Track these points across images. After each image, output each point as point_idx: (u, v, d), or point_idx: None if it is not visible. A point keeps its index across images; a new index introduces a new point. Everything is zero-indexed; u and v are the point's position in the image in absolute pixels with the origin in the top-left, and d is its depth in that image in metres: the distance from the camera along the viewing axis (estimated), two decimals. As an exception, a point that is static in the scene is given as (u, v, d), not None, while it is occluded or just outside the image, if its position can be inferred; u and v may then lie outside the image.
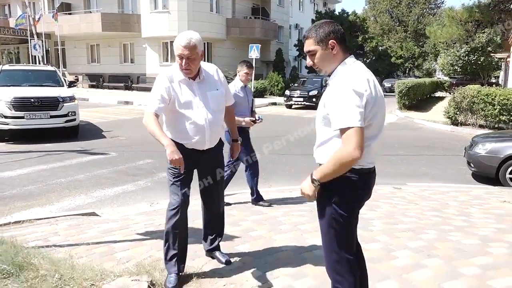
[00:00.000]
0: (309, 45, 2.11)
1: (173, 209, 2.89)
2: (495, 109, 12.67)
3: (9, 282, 2.64)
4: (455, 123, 13.89)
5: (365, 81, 1.97)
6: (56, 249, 3.45)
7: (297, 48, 35.32)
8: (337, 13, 35.89)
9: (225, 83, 3.10)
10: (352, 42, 33.26)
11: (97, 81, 29.48)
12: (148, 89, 26.79)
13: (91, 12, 29.25)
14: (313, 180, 2.03)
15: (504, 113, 12.60)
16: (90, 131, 11.41)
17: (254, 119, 4.87)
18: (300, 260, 3.29)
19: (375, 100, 1.98)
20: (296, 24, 40.78)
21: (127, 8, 29.17)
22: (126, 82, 28.43)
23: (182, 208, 2.90)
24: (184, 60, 2.76)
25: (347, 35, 2.27)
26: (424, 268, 3.16)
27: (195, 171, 3.08)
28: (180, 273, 2.93)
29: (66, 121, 9.92)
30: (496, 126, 12.80)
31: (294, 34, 39.77)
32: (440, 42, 24.55)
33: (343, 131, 1.91)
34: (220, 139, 3.12)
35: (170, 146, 2.60)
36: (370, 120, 1.98)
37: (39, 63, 22.73)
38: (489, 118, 12.92)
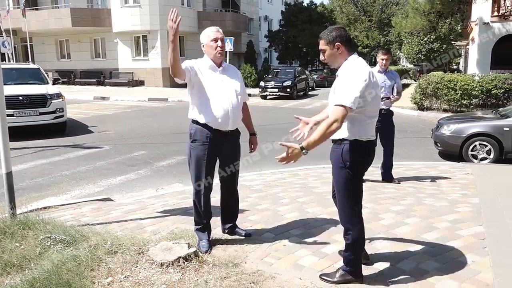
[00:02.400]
0: (321, 45, 2.74)
1: (198, 193, 3.40)
2: (457, 94, 13.68)
3: (70, 250, 3.15)
4: (421, 108, 14.88)
5: (366, 73, 2.60)
6: (91, 227, 3.94)
7: (267, 39, 35.87)
8: (306, 5, 36.60)
9: (241, 79, 3.59)
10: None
11: (68, 77, 29.10)
12: (121, 84, 26.80)
13: (58, 8, 28.80)
14: (301, 148, 2.53)
15: (465, 98, 13.64)
16: (75, 127, 11.69)
17: (387, 96, 5.55)
18: (305, 225, 3.93)
19: (372, 86, 2.62)
20: (266, 15, 41.39)
21: (96, 2, 28.94)
22: (99, 77, 28.22)
23: (205, 192, 3.41)
24: (219, 41, 3.29)
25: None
26: (406, 225, 3.87)
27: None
28: (209, 239, 3.51)
29: (55, 118, 10.20)
30: (458, 109, 13.85)
31: (263, 26, 40.34)
32: (404, 32, 25.73)
33: (336, 106, 2.54)
34: (237, 128, 3.51)
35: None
36: (370, 102, 2.61)
37: (9, 61, 22.33)
38: (452, 103, 13.95)
